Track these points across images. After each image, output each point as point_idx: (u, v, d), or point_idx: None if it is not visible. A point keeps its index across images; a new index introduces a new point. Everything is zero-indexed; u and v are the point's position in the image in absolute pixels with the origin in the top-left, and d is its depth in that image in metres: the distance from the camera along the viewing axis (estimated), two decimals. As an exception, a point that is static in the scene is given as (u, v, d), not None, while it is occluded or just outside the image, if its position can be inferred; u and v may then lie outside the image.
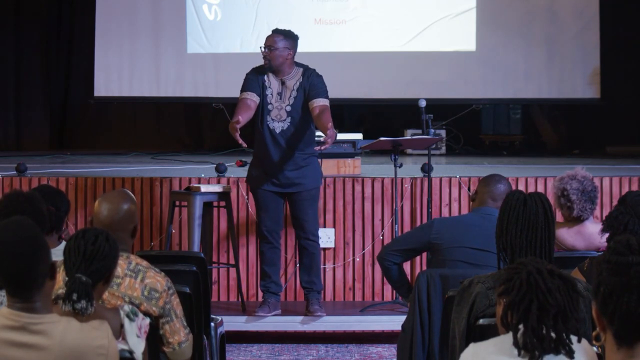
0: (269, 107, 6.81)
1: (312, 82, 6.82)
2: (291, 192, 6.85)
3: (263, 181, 6.86)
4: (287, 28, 7.00)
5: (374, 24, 10.58)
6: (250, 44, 10.49)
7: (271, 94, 6.82)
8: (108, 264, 3.27)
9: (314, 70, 6.91)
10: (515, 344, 2.59)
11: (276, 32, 6.88)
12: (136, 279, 3.77)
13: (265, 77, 6.84)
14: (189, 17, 10.67)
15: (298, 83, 6.83)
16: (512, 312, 2.63)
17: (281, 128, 6.82)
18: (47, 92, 11.98)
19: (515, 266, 2.74)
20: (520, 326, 2.61)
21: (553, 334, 2.59)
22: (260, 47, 6.85)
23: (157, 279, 3.80)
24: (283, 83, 6.83)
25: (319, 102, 6.74)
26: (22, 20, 11.83)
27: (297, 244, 7.09)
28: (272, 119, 6.81)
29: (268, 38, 6.85)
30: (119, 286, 3.72)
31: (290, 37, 6.86)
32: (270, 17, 10.49)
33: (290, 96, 6.82)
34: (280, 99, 6.82)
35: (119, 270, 3.67)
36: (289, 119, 6.80)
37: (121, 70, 10.79)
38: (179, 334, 3.85)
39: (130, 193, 4.08)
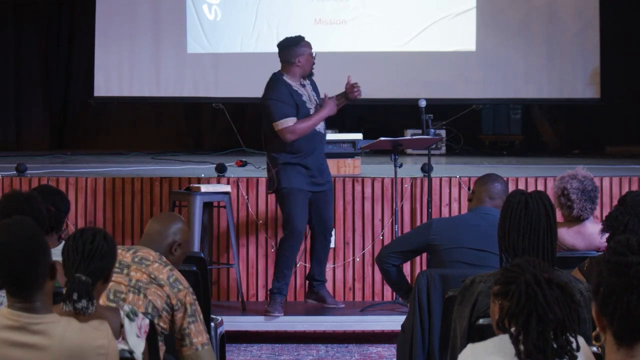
0: (310, 111, 6.91)
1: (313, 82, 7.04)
2: (322, 190, 6.99)
3: (304, 181, 6.90)
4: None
5: (374, 24, 10.58)
6: (250, 44, 10.50)
7: (307, 100, 6.94)
8: (107, 263, 3.27)
9: None
10: (518, 355, 2.57)
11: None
12: (165, 267, 3.95)
13: (293, 86, 6.92)
14: (189, 17, 10.68)
15: (309, 84, 7.01)
16: (509, 321, 2.62)
17: (322, 129, 7.00)
18: (47, 92, 11.98)
19: (512, 269, 2.71)
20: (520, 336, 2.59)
21: (554, 344, 2.58)
22: (315, 54, 6.95)
23: (182, 278, 3.97)
24: (303, 86, 6.97)
25: None
26: (22, 20, 11.83)
27: (316, 240, 7.10)
28: None
29: (311, 47, 6.97)
30: (147, 266, 3.90)
31: None
32: (270, 17, 10.49)
33: (313, 96, 6.99)
34: (310, 101, 6.96)
35: (150, 257, 3.93)
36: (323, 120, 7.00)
37: (121, 70, 10.80)
38: (202, 335, 3.96)
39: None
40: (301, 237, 6.93)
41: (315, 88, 7.02)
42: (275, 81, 6.92)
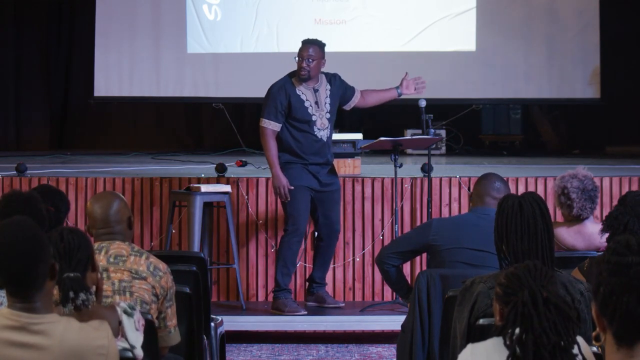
0: (313, 117, 6.97)
1: (340, 85, 7.08)
2: (326, 191, 7.04)
3: (307, 179, 6.97)
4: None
5: (374, 24, 10.57)
6: (250, 44, 10.49)
7: (310, 106, 6.96)
8: (86, 253, 3.27)
9: (335, 73, 7.12)
10: None
11: (310, 42, 6.96)
12: (141, 257, 3.93)
13: (296, 89, 6.94)
14: (189, 17, 10.67)
15: (328, 90, 7.02)
16: (506, 334, 2.58)
17: (326, 135, 7.05)
18: (47, 92, 11.98)
19: (513, 279, 2.67)
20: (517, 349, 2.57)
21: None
22: (295, 58, 6.91)
23: (159, 261, 3.98)
24: (316, 91, 6.97)
25: (358, 93, 7.19)
26: (22, 21, 11.83)
27: (322, 242, 7.14)
28: (319, 129, 6.99)
29: (304, 49, 6.92)
30: (124, 263, 3.88)
31: (323, 46, 7.02)
32: (271, 17, 10.48)
33: (326, 103, 7.00)
34: (319, 107, 6.97)
35: (123, 252, 3.90)
36: (329, 126, 7.03)
37: (121, 70, 10.79)
38: (175, 318, 4.02)
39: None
40: (303, 234, 6.98)
41: (333, 95, 7.04)
42: (278, 82, 6.97)
